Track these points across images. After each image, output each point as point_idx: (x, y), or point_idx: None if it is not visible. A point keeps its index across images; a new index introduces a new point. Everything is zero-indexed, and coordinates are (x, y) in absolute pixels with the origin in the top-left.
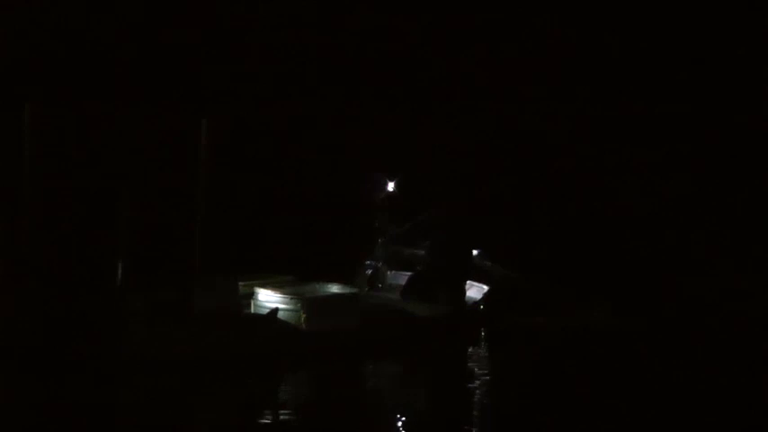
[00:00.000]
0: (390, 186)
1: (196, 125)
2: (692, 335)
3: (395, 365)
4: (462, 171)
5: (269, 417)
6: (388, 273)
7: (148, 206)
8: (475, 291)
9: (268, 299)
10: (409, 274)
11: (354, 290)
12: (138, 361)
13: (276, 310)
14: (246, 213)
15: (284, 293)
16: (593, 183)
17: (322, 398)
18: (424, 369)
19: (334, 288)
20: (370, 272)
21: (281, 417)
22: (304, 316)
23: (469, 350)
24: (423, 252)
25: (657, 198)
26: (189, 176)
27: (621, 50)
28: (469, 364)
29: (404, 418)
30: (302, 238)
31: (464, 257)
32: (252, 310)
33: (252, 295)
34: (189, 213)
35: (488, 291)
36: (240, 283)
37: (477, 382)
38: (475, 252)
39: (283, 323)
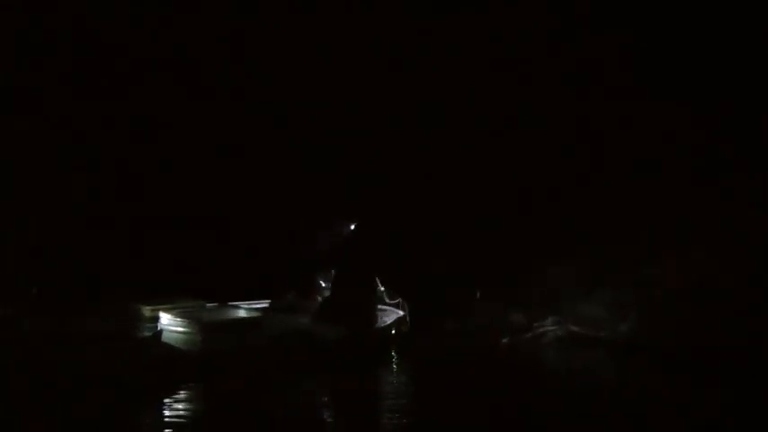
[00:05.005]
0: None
1: None
2: None
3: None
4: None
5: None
6: None
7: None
8: (390, 315)
9: (169, 323)
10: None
11: (258, 314)
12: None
13: (160, 332)
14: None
15: (183, 317)
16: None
17: (200, 417)
18: (324, 386)
19: (241, 312)
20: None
21: None
22: (199, 339)
23: (372, 369)
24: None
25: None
26: None
27: None
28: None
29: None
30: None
31: (368, 284)
32: None
33: (158, 319)
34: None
35: (402, 316)
36: (148, 308)
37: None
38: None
39: (166, 345)
